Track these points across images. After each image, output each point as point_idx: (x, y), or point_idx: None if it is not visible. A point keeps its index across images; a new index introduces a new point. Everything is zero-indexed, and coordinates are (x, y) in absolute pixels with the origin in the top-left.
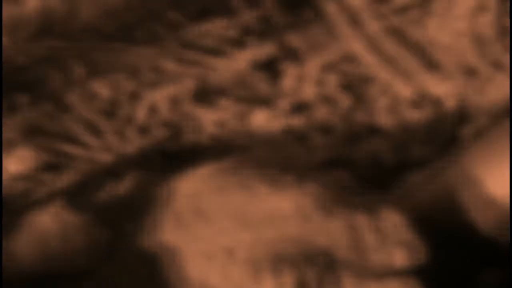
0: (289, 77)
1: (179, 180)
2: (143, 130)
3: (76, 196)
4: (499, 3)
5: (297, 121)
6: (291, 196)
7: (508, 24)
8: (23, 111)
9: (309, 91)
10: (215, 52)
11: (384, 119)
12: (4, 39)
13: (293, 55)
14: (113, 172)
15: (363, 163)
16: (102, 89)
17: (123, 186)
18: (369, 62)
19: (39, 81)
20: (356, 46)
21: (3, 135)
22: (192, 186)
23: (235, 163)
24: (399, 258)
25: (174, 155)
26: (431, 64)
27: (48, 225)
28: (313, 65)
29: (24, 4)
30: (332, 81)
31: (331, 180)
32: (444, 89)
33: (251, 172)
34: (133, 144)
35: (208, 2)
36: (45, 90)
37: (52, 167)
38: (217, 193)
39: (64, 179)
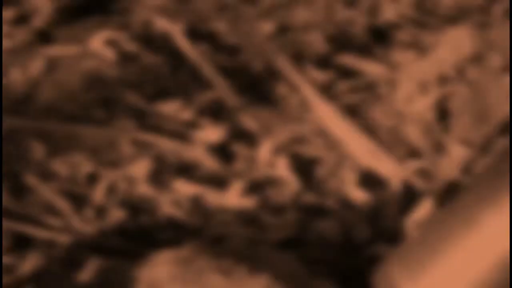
0: (242, 159)
1: (138, 268)
2: (101, 210)
3: (40, 284)
4: (439, 86)
5: (249, 202)
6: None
7: (449, 107)
8: None
9: (260, 173)
10: (171, 134)
11: (332, 201)
12: None
13: (245, 137)
14: (74, 258)
15: (313, 243)
16: (61, 169)
17: (85, 274)
18: (318, 144)
19: None
20: (306, 128)
21: None
22: (150, 276)
23: (191, 252)
24: None
25: (132, 235)
26: (377, 146)
27: None
28: (265, 147)
29: None
30: (283, 163)
31: (282, 266)
32: (389, 170)
33: (206, 263)
34: (92, 224)
35: (164, 85)
36: (5, 169)
37: (13, 251)
38: (174, 283)
39: (27, 265)
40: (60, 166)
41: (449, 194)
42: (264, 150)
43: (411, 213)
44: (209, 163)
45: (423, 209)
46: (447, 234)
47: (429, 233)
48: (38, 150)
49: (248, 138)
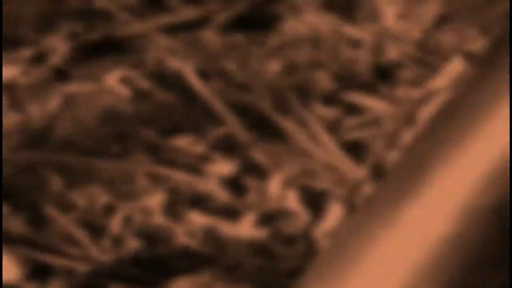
0: (253, 191)
1: None
2: (118, 240)
3: None
4: None
5: (261, 233)
6: None
7: None
8: (4, 220)
9: (271, 205)
10: (184, 167)
11: None
12: None
13: (256, 171)
14: (93, 285)
15: None
16: (79, 200)
17: None
18: (327, 177)
19: (19, 192)
20: (315, 162)
21: None
22: None
23: (209, 278)
24: None
25: (148, 264)
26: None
27: None
28: (275, 181)
29: (4, 117)
30: (293, 195)
31: None
32: None
33: None
34: (109, 254)
35: (177, 120)
36: (25, 200)
37: (34, 278)
38: None
39: None
40: (78, 198)
41: (357, 197)
42: (275, 183)
43: (320, 223)
44: (222, 195)
45: (333, 216)
46: (361, 238)
47: (341, 240)
48: (56, 182)
49: (259, 172)
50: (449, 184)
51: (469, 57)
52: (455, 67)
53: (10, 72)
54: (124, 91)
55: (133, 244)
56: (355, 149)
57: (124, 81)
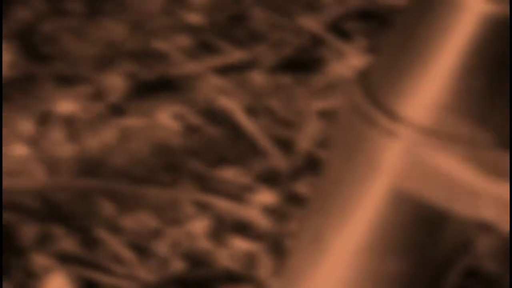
0: (295, 220)
1: None
2: (164, 261)
3: None
4: None
5: None
6: None
7: None
8: (59, 241)
9: None
10: (229, 196)
11: None
12: (45, 177)
13: (298, 201)
14: None
15: None
16: (128, 224)
17: None
18: None
19: (73, 216)
20: None
21: (41, 262)
22: None
23: None
24: None
25: (192, 284)
26: None
27: None
28: None
29: (63, 148)
30: None
31: None
32: None
33: None
34: (155, 274)
35: (224, 153)
36: (78, 223)
37: None
38: None
39: None
40: (127, 222)
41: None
42: None
43: None
44: (264, 222)
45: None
46: None
47: None
48: (108, 207)
49: (301, 202)
50: None
51: None
52: None
53: (69, 107)
54: (175, 126)
55: (178, 266)
56: None
57: (176, 117)
